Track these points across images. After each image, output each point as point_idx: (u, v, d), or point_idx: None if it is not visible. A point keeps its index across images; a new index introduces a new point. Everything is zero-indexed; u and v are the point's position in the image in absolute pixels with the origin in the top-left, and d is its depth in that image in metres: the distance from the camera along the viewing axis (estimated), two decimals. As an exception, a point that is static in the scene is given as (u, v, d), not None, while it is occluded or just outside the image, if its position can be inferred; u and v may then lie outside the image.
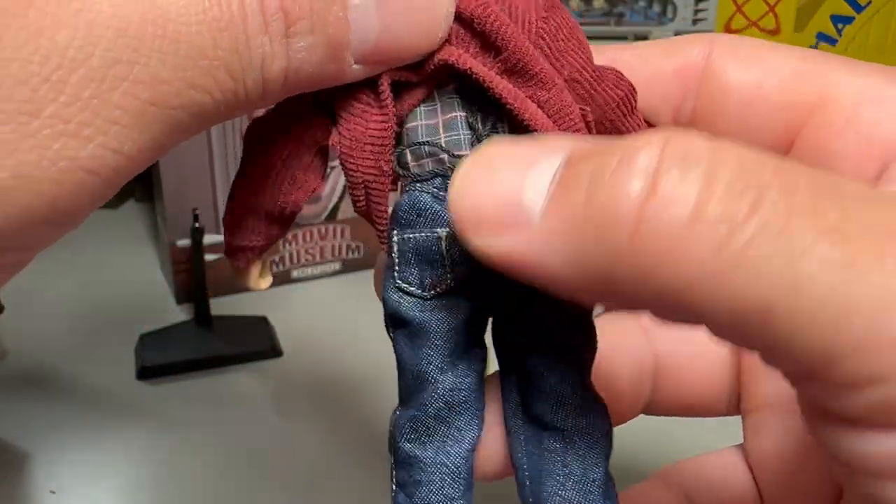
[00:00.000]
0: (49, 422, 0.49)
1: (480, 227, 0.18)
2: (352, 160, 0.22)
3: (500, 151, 0.19)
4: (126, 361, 0.54)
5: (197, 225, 0.58)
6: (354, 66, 0.21)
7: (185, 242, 0.59)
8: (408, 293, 0.22)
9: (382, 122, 0.22)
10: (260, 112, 0.23)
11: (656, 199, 0.16)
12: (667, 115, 0.26)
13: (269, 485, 0.45)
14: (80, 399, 0.51)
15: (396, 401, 0.23)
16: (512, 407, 0.24)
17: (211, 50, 0.19)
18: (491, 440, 0.24)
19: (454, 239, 0.21)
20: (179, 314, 0.59)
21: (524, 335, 0.23)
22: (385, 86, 0.22)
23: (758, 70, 0.25)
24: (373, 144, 0.22)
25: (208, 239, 0.58)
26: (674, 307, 0.16)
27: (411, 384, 0.22)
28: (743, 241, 0.15)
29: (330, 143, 0.23)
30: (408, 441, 0.22)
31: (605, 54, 0.24)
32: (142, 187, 0.73)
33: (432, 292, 0.22)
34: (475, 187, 0.19)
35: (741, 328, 0.16)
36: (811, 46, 0.64)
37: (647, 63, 0.25)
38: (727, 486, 0.28)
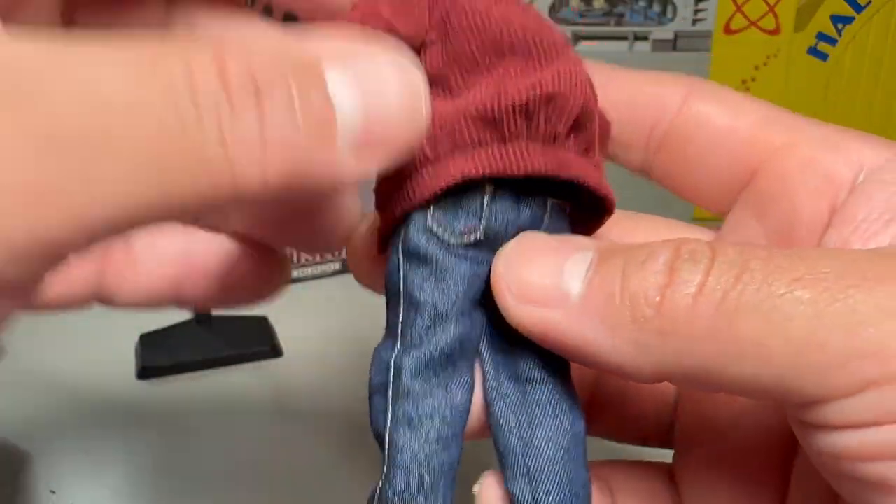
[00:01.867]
0: (49, 422, 0.49)
1: (523, 298, 0.22)
2: None
3: (538, 243, 0.23)
4: (126, 361, 0.54)
5: (197, 225, 0.58)
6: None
7: (185, 242, 0.59)
8: (437, 236, 0.23)
9: None
10: None
11: (672, 284, 0.21)
12: (640, 138, 0.28)
13: (269, 485, 0.45)
14: (80, 399, 0.51)
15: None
16: (493, 366, 0.24)
17: None
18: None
19: (496, 193, 0.23)
20: (179, 314, 0.59)
21: None
22: None
23: (731, 110, 0.27)
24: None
25: (208, 239, 0.58)
26: (698, 368, 0.21)
27: (425, 321, 0.23)
28: (734, 298, 0.20)
29: None
30: (414, 377, 0.23)
31: (595, 76, 0.25)
32: (142, 187, 0.72)
33: (462, 240, 0.23)
34: (518, 267, 0.22)
35: (747, 370, 0.20)
36: (811, 46, 0.64)
37: (627, 87, 0.28)
38: (651, 496, 0.28)
